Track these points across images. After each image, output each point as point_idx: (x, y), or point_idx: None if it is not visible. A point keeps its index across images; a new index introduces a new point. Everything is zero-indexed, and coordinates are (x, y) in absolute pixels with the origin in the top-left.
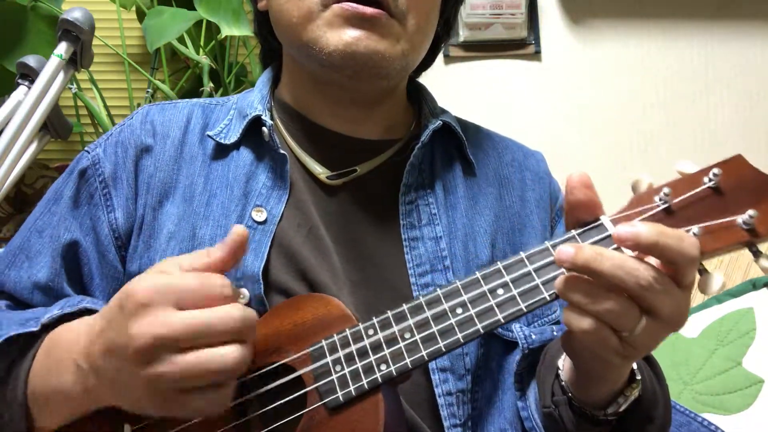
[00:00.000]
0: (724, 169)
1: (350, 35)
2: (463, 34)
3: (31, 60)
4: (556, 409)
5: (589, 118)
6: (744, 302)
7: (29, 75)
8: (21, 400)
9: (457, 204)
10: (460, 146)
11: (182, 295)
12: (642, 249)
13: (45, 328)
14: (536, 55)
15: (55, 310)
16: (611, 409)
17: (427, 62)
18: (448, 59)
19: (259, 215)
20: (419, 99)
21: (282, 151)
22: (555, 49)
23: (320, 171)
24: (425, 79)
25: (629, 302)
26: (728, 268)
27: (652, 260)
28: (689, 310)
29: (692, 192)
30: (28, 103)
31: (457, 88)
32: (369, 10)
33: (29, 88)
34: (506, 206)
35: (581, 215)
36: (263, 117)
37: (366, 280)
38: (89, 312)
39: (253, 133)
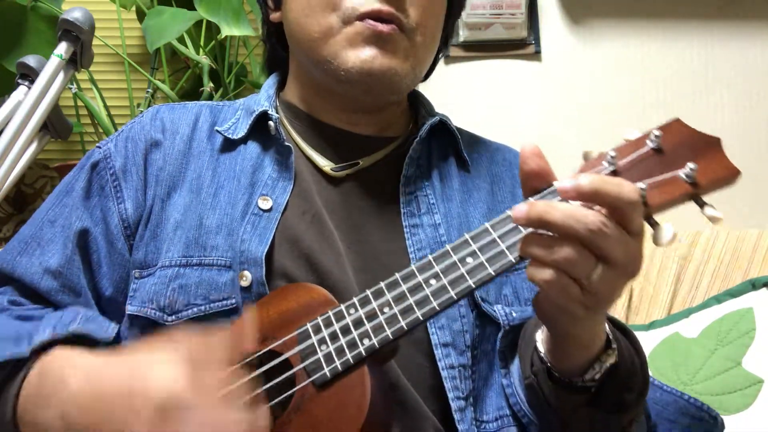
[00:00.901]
0: (665, 131)
1: (366, 53)
2: (463, 34)
3: (31, 60)
4: (535, 379)
5: (589, 118)
6: (744, 302)
7: (29, 75)
8: (9, 418)
9: (452, 196)
10: (455, 144)
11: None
12: (585, 197)
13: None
14: (536, 55)
15: (45, 334)
16: (588, 375)
17: (426, 74)
18: (448, 59)
19: (265, 203)
20: (416, 103)
21: (287, 143)
22: (555, 49)
23: (324, 164)
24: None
25: (584, 250)
26: (728, 268)
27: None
28: (642, 257)
29: (637, 153)
30: (28, 103)
31: (457, 88)
32: (385, 28)
33: (29, 88)
34: (498, 201)
35: (536, 184)
36: (270, 112)
37: (368, 264)
38: (78, 336)
39: (259, 128)
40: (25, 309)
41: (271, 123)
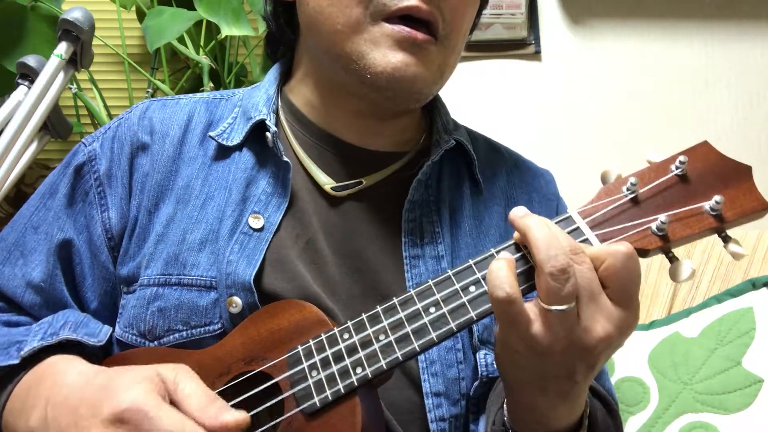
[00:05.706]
0: (691, 156)
1: (399, 59)
2: None
3: (31, 60)
4: None
5: (589, 118)
6: (744, 302)
7: (29, 75)
8: None
9: (462, 223)
10: (469, 164)
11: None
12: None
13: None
14: (536, 55)
15: (35, 342)
16: None
17: None
18: None
19: (256, 222)
20: (432, 110)
21: (286, 159)
22: (555, 49)
23: (325, 181)
24: None
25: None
26: (728, 268)
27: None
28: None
29: (659, 180)
30: (28, 103)
31: (457, 88)
32: (420, 36)
33: (29, 88)
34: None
35: None
36: (268, 122)
37: (364, 293)
38: (70, 343)
39: (257, 136)
40: (12, 315)
41: (268, 135)
